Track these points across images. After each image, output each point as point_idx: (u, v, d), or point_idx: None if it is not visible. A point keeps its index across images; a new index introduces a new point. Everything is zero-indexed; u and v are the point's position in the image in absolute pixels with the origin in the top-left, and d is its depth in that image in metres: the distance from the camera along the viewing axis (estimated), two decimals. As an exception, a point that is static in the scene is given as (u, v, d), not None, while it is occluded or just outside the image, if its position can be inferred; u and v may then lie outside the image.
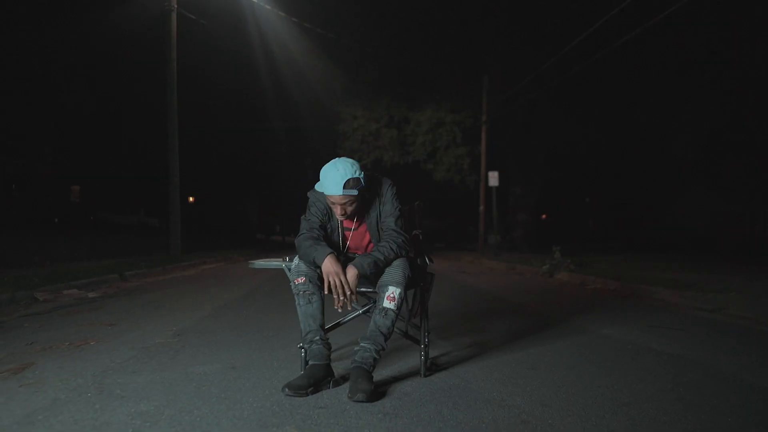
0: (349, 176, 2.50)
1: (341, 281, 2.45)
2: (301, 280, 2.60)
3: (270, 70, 20.03)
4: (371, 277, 2.64)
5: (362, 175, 2.56)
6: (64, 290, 6.08)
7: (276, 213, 40.69)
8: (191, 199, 30.81)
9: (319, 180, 2.58)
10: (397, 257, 2.59)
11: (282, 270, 2.84)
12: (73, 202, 28.51)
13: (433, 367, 2.95)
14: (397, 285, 2.55)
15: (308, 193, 2.75)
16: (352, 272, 2.48)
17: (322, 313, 2.65)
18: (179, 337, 3.73)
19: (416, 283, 2.83)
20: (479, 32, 17.45)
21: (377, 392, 2.45)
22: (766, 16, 11.39)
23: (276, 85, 21.11)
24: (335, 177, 2.49)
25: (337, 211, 2.57)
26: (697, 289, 6.34)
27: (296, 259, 2.68)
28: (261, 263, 2.99)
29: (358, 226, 2.74)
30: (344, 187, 2.48)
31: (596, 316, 4.86)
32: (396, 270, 2.56)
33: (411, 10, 17.33)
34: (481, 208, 17.80)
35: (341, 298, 2.46)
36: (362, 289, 2.75)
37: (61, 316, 4.61)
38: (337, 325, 2.98)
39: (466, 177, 18.61)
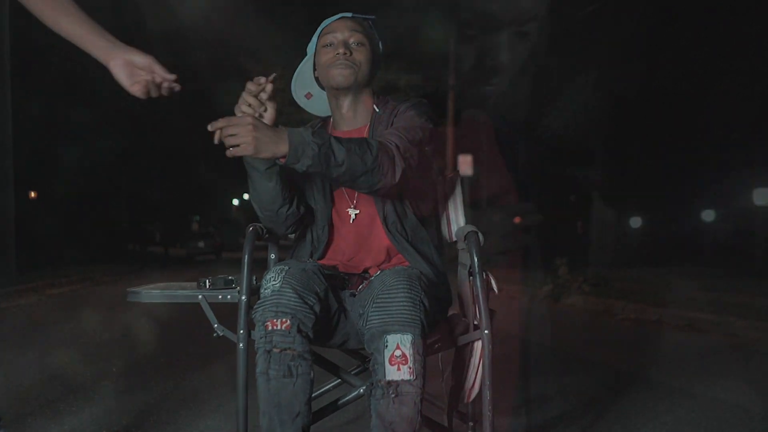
0: None
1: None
2: (282, 323, 1.68)
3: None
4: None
5: None
6: None
7: (155, 216, 39.59)
8: (33, 194, 29.50)
9: None
10: (366, 167, 1.75)
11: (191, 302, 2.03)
12: None
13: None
14: (403, 328, 1.62)
15: None
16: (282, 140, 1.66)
17: (310, 401, 1.72)
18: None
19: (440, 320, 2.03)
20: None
21: None
22: None
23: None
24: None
25: (339, 51, 2.06)
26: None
27: (269, 276, 1.79)
28: (152, 294, 2.05)
29: None
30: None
31: (677, 365, 4.55)
32: (397, 295, 1.66)
33: None
34: (446, 205, 17.34)
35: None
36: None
37: None
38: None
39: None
